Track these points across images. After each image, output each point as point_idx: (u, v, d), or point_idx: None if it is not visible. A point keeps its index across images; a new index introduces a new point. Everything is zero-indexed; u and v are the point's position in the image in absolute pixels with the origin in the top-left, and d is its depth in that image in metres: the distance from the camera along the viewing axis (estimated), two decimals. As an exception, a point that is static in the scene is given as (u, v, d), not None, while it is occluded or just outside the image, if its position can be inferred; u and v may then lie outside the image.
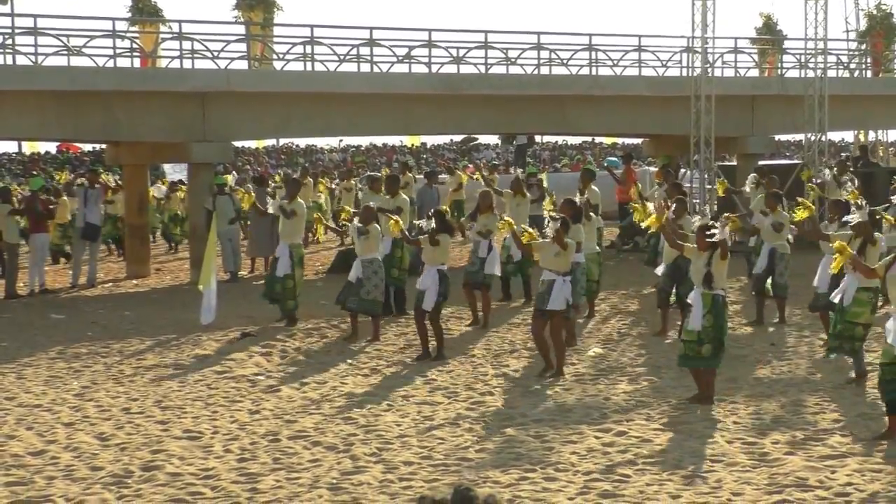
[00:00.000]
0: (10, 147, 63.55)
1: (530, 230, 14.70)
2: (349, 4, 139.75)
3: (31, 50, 23.69)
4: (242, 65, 26.13)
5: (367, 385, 14.28)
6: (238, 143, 44.16)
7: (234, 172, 41.93)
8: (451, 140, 70.50)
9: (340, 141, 67.88)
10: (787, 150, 61.80)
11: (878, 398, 11.64)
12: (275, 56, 26.97)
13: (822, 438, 11.32)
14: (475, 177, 30.83)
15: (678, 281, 16.00)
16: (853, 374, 13.62)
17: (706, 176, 27.76)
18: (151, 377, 14.96)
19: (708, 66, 27.78)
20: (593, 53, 29.48)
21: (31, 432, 12.31)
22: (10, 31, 23.56)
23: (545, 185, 23.78)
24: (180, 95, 24.32)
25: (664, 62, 30.57)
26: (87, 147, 56.77)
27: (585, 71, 29.45)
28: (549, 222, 14.22)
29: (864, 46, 35.52)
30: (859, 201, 16.75)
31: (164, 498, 9.96)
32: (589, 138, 66.02)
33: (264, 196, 21.57)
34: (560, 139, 69.33)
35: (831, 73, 30.68)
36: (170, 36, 25.77)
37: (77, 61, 24.07)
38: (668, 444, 11.26)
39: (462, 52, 27.91)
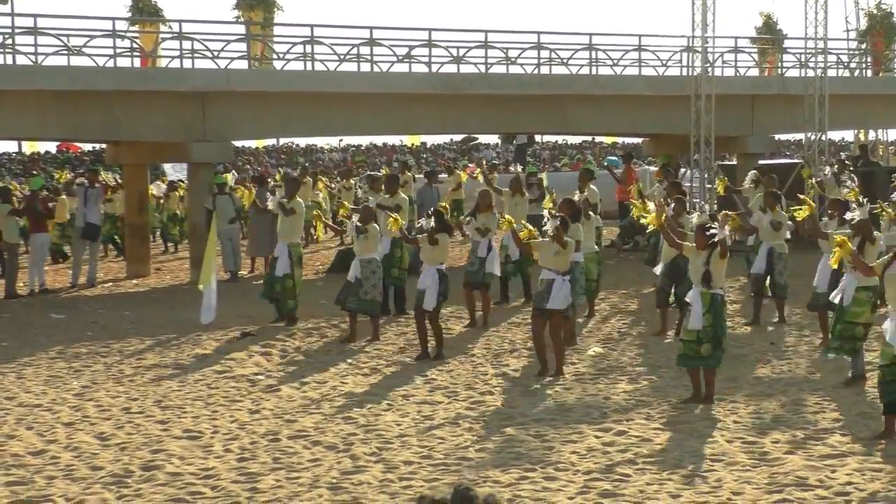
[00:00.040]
0: (10, 147, 63.60)
1: (529, 227, 14.71)
2: (349, 4, 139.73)
3: (31, 50, 23.70)
4: (242, 64, 26.14)
5: (367, 384, 14.28)
6: (238, 143, 44.22)
7: (233, 172, 41.91)
8: (451, 140, 70.52)
9: (340, 140, 67.90)
10: (787, 149, 61.79)
11: (878, 398, 11.63)
12: (275, 56, 26.97)
13: (823, 438, 11.32)
14: (476, 175, 30.81)
15: (677, 280, 16.01)
16: (850, 375, 13.61)
17: (706, 175, 27.76)
18: (151, 377, 14.96)
19: (708, 65, 27.78)
20: (593, 53, 29.49)
21: (31, 432, 12.31)
22: (10, 30, 23.56)
23: (545, 184, 23.74)
24: (180, 95, 24.32)
25: (664, 62, 30.58)
26: (87, 147, 56.76)
27: (585, 70, 29.46)
28: (548, 220, 14.22)
29: (864, 46, 35.52)
30: (860, 199, 16.78)
31: (164, 497, 9.96)
32: (589, 138, 66.00)
33: (264, 195, 21.57)
34: (560, 139, 69.31)
35: (831, 73, 30.68)
36: (170, 36, 25.77)
37: (77, 61, 24.09)
38: (668, 444, 11.26)
39: (462, 51, 27.91)
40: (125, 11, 26.99)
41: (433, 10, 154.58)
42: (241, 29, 27.30)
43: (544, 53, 28.96)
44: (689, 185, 28.15)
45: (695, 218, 13.78)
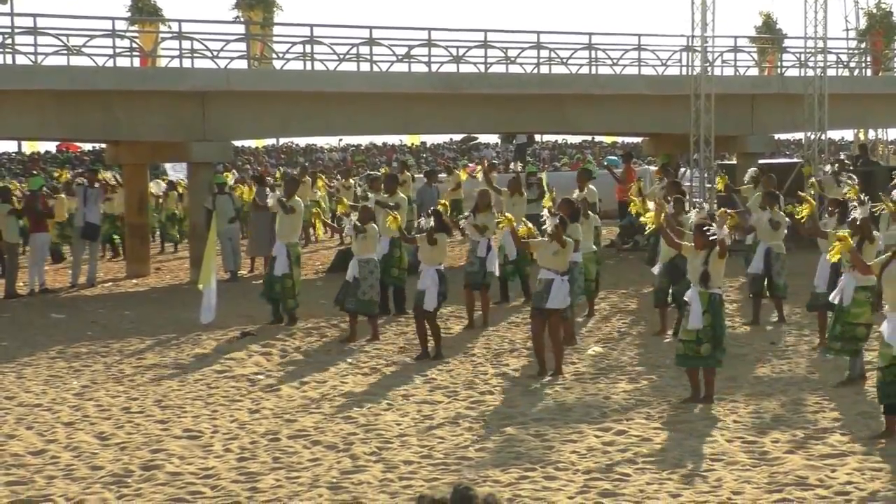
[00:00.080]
0: (10, 147, 63.60)
1: (529, 224, 14.70)
2: (349, 4, 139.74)
3: (31, 49, 23.70)
4: (242, 64, 26.14)
5: (367, 384, 14.28)
6: (238, 143, 44.19)
7: (233, 171, 41.90)
8: (451, 139, 70.53)
9: (340, 140, 67.92)
10: (786, 148, 61.78)
11: (877, 398, 11.62)
12: (274, 55, 26.97)
13: (823, 437, 11.32)
14: (476, 175, 30.80)
15: (675, 280, 16.00)
16: (847, 375, 13.61)
17: (706, 175, 27.76)
18: (151, 376, 14.96)
19: (708, 64, 27.78)
20: (593, 52, 29.49)
21: (31, 432, 12.31)
22: (9, 30, 23.56)
23: (545, 183, 23.75)
24: (180, 95, 24.32)
25: (664, 61, 30.58)
26: (87, 146, 56.76)
27: (585, 70, 29.46)
28: (547, 219, 14.21)
29: (863, 45, 35.52)
30: (861, 196, 16.78)
31: (164, 497, 9.96)
32: (589, 137, 66.00)
33: (264, 194, 21.58)
34: (560, 138, 69.33)
35: (831, 72, 30.68)
36: (169, 35, 25.77)
37: (77, 61, 24.09)
38: (667, 443, 11.26)
39: (462, 51, 27.91)
40: (125, 11, 27.02)
41: (433, 9, 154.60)
42: (241, 28, 27.30)
43: (544, 53, 28.97)
44: (688, 184, 28.15)
45: (693, 216, 13.78)
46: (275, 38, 27.61)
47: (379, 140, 69.73)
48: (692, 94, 27.33)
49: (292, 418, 12.58)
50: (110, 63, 24.45)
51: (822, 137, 28.16)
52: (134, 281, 25.13)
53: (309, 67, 26.42)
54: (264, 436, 11.88)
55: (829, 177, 24.17)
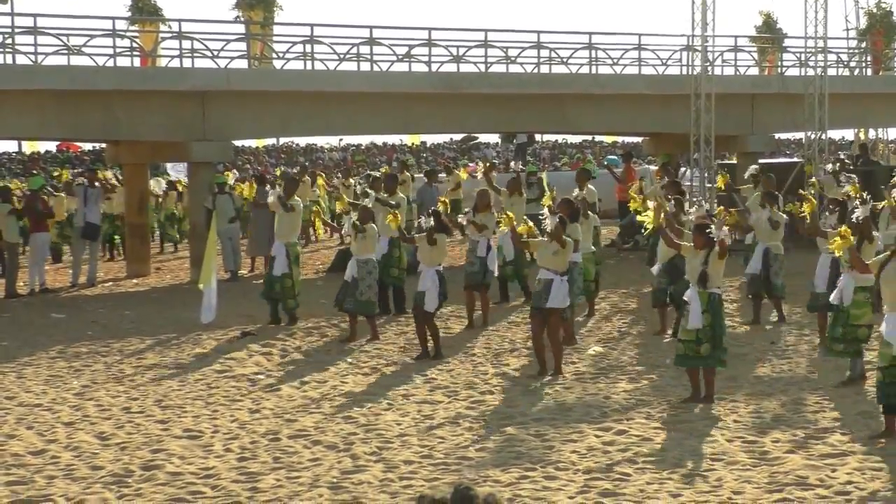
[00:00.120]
0: (10, 146, 63.61)
1: (529, 222, 14.69)
2: (349, 3, 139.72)
3: (31, 49, 23.69)
4: (242, 64, 26.13)
5: (368, 384, 14.28)
6: (238, 143, 44.18)
7: (234, 171, 41.89)
8: (451, 139, 70.53)
9: (340, 140, 67.91)
10: (787, 148, 61.76)
11: (877, 398, 11.62)
12: (275, 55, 26.96)
13: (823, 437, 11.32)
14: (477, 174, 30.79)
15: (674, 280, 15.99)
16: (848, 375, 13.61)
17: (706, 174, 27.76)
18: (151, 376, 14.96)
19: (708, 64, 27.77)
20: (593, 52, 29.48)
21: (31, 431, 12.31)
22: (9, 30, 23.56)
23: (545, 183, 23.75)
24: (180, 94, 24.32)
25: (664, 60, 30.57)
26: (87, 146, 56.77)
27: (585, 69, 29.45)
28: (546, 218, 14.20)
29: (864, 45, 35.51)
30: (864, 195, 16.77)
31: (165, 497, 9.97)
32: (589, 137, 66.01)
33: (264, 194, 21.59)
34: (560, 138, 69.33)
35: (831, 72, 30.67)
36: (169, 35, 25.76)
37: (77, 60, 24.07)
38: (668, 443, 11.26)
39: (462, 50, 27.91)
40: (125, 11, 26.99)
41: (433, 9, 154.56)
42: (241, 28, 27.29)
43: (544, 52, 28.95)
44: (688, 184, 28.15)
45: (693, 211, 13.76)
46: (275, 38, 27.60)
47: (379, 140, 69.74)
48: (692, 93, 27.32)
49: (293, 418, 12.58)
50: (110, 63, 24.44)
51: (823, 137, 28.16)
52: (134, 281, 25.13)
53: (309, 67, 26.41)
54: (265, 436, 11.88)
55: (828, 177, 24.19)
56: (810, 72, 28.52)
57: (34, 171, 44.53)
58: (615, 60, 29.92)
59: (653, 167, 33.15)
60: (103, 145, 33.01)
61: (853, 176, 21.50)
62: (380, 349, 16.34)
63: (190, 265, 24.76)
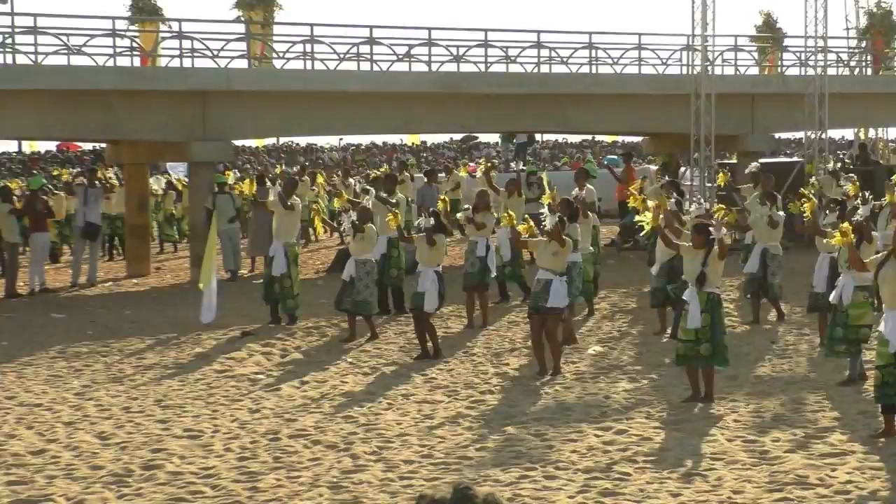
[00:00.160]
0: (10, 146, 63.60)
1: (530, 221, 14.68)
2: (349, 3, 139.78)
3: (31, 49, 23.69)
4: (242, 64, 26.14)
5: (368, 384, 14.28)
6: (238, 142, 44.18)
7: (235, 171, 41.89)
8: (451, 139, 70.54)
9: (341, 140, 67.95)
10: (787, 147, 61.75)
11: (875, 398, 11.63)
12: (275, 55, 26.96)
13: (823, 436, 11.32)
14: (477, 173, 30.78)
15: (672, 281, 15.97)
16: (847, 375, 13.62)
17: (706, 174, 27.76)
18: (152, 376, 14.96)
19: (708, 64, 27.77)
20: (593, 52, 29.48)
21: (31, 431, 12.31)
22: (10, 30, 23.56)
23: (546, 182, 23.74)
24: (180, 94, 24.32)
25: (664, 60, 30.56)
26: (87, 146, 56.78)
27: (585, 69, 29.46)
28: (546, 216, 14.19)
29: (864, 44, 35.52)
30: (865, 194, 16.79)
31: (165, 497, 9.97)
32: (589, 136, 66.02)
33: (264, 194, 21.59)
34: (560, 137, 69.34)
35: (831, 71, 30.68)
36: (170, 35, 25.77)
37: (77, 60, 24.09)
38: (668, 443, 11.26)
39: (462, 50, 27.91)
40: (125, 11, 27.00)
41: (433, 8, 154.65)
42: (241, 28, 27.29)
43: (544, 52, 28.95)
44: (688, 183, 28.16)
45: (693, 210, 13.75)
46: (275, 38, 27.60)
47: (379, 139, 69.76)
48: (692, 93, 27.32)
49: (293, 418, 12.58)
50: (111, 63, 24.44)
51: (823, 136, 28.16)
52: (134, 281, 25.12)
53: (309, 67, 26.42)
54: (265, 435, 11.88)
55: (826, 177, 24.19)
56: (810, 71, 28.53)
57: (34, 171, 44.57)
58: (615, 60, 29.92)
59: (653, 167, 33.18)
60: (103, 145, 32.98)
61: (853, 175, 21.50)
62: (380, 349, 16.34)
63: (190, 265, 24.75)
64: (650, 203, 14.81)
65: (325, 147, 69.99)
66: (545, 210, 14.58)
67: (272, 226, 18.80)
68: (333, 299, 17.22)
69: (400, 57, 27.28)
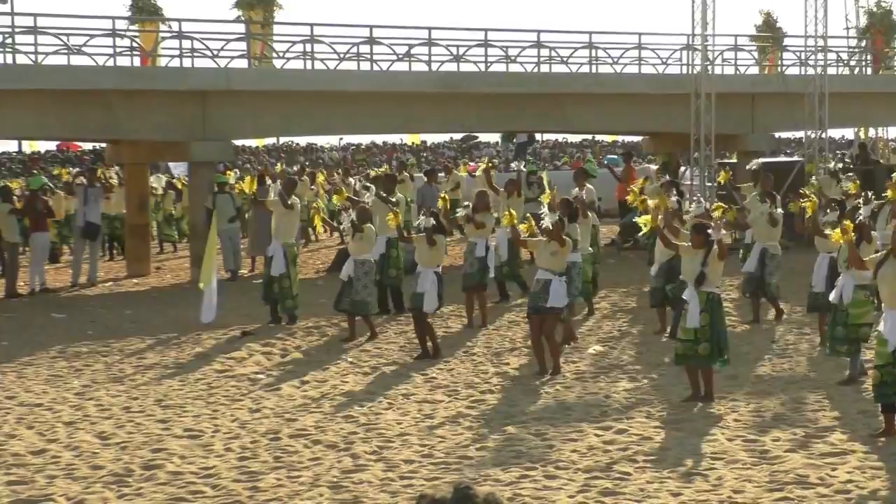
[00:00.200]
0: (10, 146, 63.61)
1: (531, 220, 14.69)
2: (349, 3, 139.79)
3: (31, 49, 23.70)
4: (242, 63, 26.14)
5: (368, 383, 14.28)
6: (238, 142, 44.20)
7: (235, 171, 41.88)
8: (451, 138, 70.56)
9: (341, 139, 67.97)
10: (787, 147, 61.75)
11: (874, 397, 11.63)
12: (275, 55, 26.97)
13: (823, 436, 11.32)
14: (477, 174, 30.78)
15: (670, 280, 15.98)
16: (847, 374, 13.62)
17: (706, 174, 27.76)
18: (152, 376, 14.96)
19: (708, 63, 27.77)
20: (593, 51, 29.48)
21: (31, 431, 12.31)
22: (10, 30, 23.56)
23: (546, 182, 23.75)
24: (180, 94, 24.32)
25: (664, 60, 30.56)
26: (87, 146, 56.79)
27: (585, 69, 29.46)
28: (545, 215, 14.18)
29: (864, 43, 35.52)
30: (867, 194, 16.79)
31: (165, 497, 9.97)
32: (589, 136, 66.04)
33: (264, 194, 21.58)
34: (560, 137, 69.35)
35: (831, 71, 30.68)
36: (170, 35, 25.78)
37: (77, 60, 24.09)
38: (668, 442, 11.26)
39: (462, 50, 27.91)
40: (125, 10, 27.02)
41: (433, 8, 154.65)
42: (241, 28, 27.31)
43: (544, 52, 28.95)
44: (688, 183, 28.16)
45: (692, 208, 13.74)
46: (275, 38, 27.61)
47: (379, 139, 69.77)
48: (692, 92, 27.33)
49: (293, 417, 12.58)
50: (111, 62, 24.45)
51: (823, 136, 28.16)
52: (134, 280, 25.12)
53: (309, 67, 26.42)
54: (265, 435, 11.88)
55: (825, 177, 24.20)
56: (810, 71, 28.54)
57: (34, 171, 44.58)
58: (615, 60, 29.93)
59: (653, 166, 33.16)
60: (103, 145, 32.99)
61: (853, 175, 21.52)
62: (380, 348, 16.34)
63: (190, 265, 24.76)
64: (650, 202, 14.82)
65: (326, 147, 70.01)
66: (545, 209, 14.58)
67: (270, 225, 18.80)
68: (333, 299, 17.23)
69: (400, 57, 27.28)
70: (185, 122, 24.45)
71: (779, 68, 32.83)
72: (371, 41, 26.77)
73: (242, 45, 26.40)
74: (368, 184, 20.90)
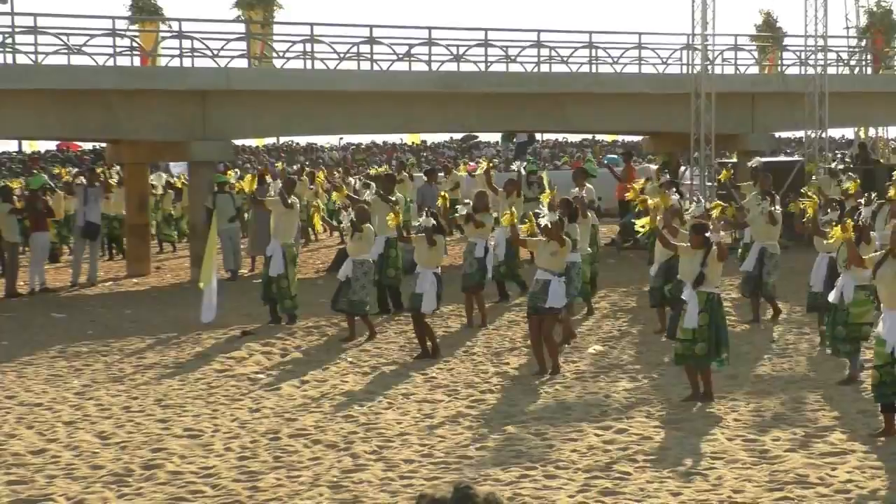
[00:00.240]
0: (10, 146, 63.61)
1: (533, 220, 14.70)
2: (349, 2, 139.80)
3: (32, 49, 23.70)
4: (242, 63, 26.15)
5: (368, 383, 14.28)
6: (239, 142, 44.20)
7: (236, 171, 41.88)
8: (451, 138, 70.56)
9: (341, 139, 67.97)
10: (787, 147, 61.75)
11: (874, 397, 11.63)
12: (275, 54, 26.97)
13: (823, 435, 11.32)
14: (477, 173, 30.78)
15: (669, 280, 15.98)
16: (847, 374, 13.62)
17: (706, 173, 27.77)
18: (152, 375, 14.96)
19: (708, 63, 27.78)
20: (593, 51, 29.48)
21: (31, 431, 12.31)
22: (10, 30, 23.56)
23: (546, 182, 23.76)
24: (180, 94, 24.32)
25: (664, 59, 30.56)
26: (87, 146, 56.79)
27: (585, 68, 29.45)
28: (545, 215, 14.18)
29: (864, 43, 35.52)
30: (870, 195, 16.81)
31: (165, 496, 9.97)
32: (589, 136, 66.04)
33: (264, 193, 21.59)
34: (560, 137, 69.34)
35: (831, 70, 30.68)
36: (170, 34, 25.78)
37: (77, 60, 24.09)
38: (668, 442, 11.26)
39: (462, 49, 27.91)
40: (125, 10, 27.04)
41: (433, 8, 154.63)
42: (241, 28, 27.32)
43: (544, 51, 28.95)
44: (688, 182, 28.16)
45: (692, 208, 13.74)
46: (275, 37, 27.62)
47: (379, 139, 69.76)
48: (692, 92, 27.33)
49: (293, 417, 12.58)
50: (111, 62, 24.45)
51: (823, 135, 28.16)
52: (134, 280, 25.12)
53: (309, 66, 26.42)
54: (265, 435, 11.88)
55: (825, 177, 24.19)
56: (810, 70, 28.54)
57: (34, 171, 44.57)
58: (615, 59, 29.93)
59: (653, 166, 33.17)
60: (103, 145, 32.99)
61: (853, 174, 21.52)
62: (380, 348, 16.35)
63: (190, 265, 24.76)
64: (650, 202, 14.82)
65: (326, 146, 70.01)
66: (544, 208, 14.58)
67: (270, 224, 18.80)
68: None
69: (400, 56, 27.28)
70: (185, 121, 24.45)
71: (779, 68, 32.83)
72: (371, 41, 26.78)
73: (242, 45, 26.41)
74: (370, 182, 20.88)
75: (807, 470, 10.20)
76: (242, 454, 11.18)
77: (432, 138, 70.52)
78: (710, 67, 27.85)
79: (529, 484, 9.97)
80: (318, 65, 26.38)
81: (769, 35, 34.58)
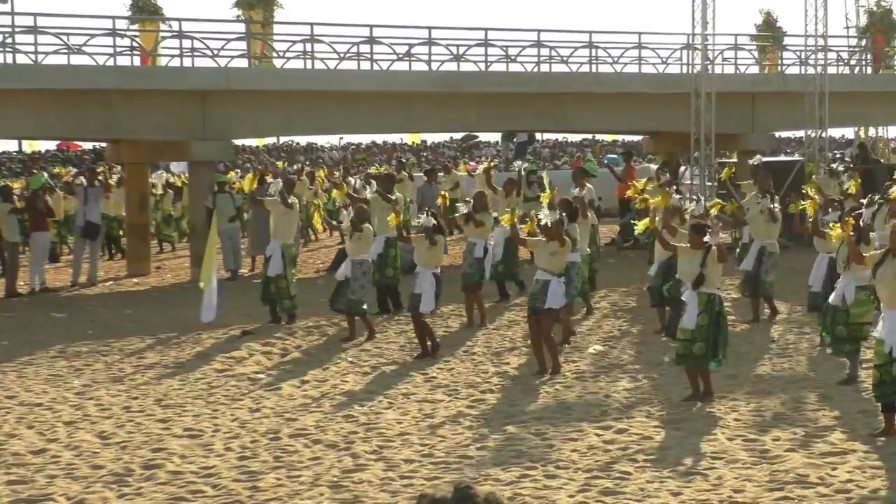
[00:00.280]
0: (10, 146, 63.61)
1: (533, 219, 14.70)
2: (349, 2, 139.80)
3: (32, 49, 23.70)
4: (243, 63, 26.14)
5: (368, 383, 14.28)
6: (239, 142, 44.17)
7: (237, 171, 41.89)
8: (451, 138, 70.56)
9: (341, 139, 67.97)
10: (787, 146, 61.75)
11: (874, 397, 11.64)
12: (275, 54, 26.96)
13: (823, 435, 11.32)
14: (476, 173, 30.79)
15: (669, 280, 15.98)
16: (847, 374, 13.62)
17: (707, 173, 27.77)
18: (152, 375, 14.96)
19: (708, 62, 27.78)
20: (593, 51, 29.47)
21: (31, 431, 12.31)
22: (10, 29, 23.56)
23: (546, 182, 23.76)
24: (181, 93, 24.32)
25: (664, 59, 30.56)
26: (87, 146, 56.78)
27: (585, 68, 29.45)
28: (545, 214, 14.17)
29: (864, 43, 35.51)
30: (872, 196, 16.81)
31: (165, 496, 9.97)
32: (589, 136, 66.04)
33: (264, 193, 21.59)
34: (560, 136, 69.35)
35: (831, 70, 30.67)
36: (170, 34, 25.77)
37: (77, 60, 24.08)
38: (668, 442, 11.26)
39: (462, 49, 27.91)
40: (125, 10, 27.00)
41: (433, 8, 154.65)
42: (241, 27, 27.30)
43: (544, 51, 28.94)
44: (688, 182, 28.16)
45: (691, 208, 13.75)
46: (275, 37, 27.60)
47: (379, 139, 69.76)
48: (693, 92, 27.33)
49: (293, 417, 12.58)
50: (111, 62, 24.44)
51: (823, 135, 28.16)
52: (134, 280, 25.12)
53: (309, 66, 26.42)
54: (265, 434, 11.88)
55: (825, 176, 24.19)
56: (810, 70, 28.53)
57: (34, 171, 44.56)
58: (615, 59, 29.92)
59: (653, 166, 33.17)
60: (103, 145, 32.98)
61: (854, 174, 21.53)
62: (380, 348, 16.34)
63: (190, 264, 24.76)
64: (651, 201, 14.83)
65: (326, 146, 70.02)
66: (544, 208, 14.58)
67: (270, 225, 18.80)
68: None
69: (400, 56, 27.28)
70: (185, 121, 24.45)
71: (779, 67, 32.82)
72: (371, 41, 26.77)
73: (242, 45, 26.40)
74: (371, 179, 20.88)
75: (807, 470, 10.20)
76: (243, 454, 11.18)
77: (432, 138, 70.56)
78: (710, 67, 27.85)
79: (530, 484, 9.97)
80: (319, 65, 26.38)
81: (769, 35, 34.56)
